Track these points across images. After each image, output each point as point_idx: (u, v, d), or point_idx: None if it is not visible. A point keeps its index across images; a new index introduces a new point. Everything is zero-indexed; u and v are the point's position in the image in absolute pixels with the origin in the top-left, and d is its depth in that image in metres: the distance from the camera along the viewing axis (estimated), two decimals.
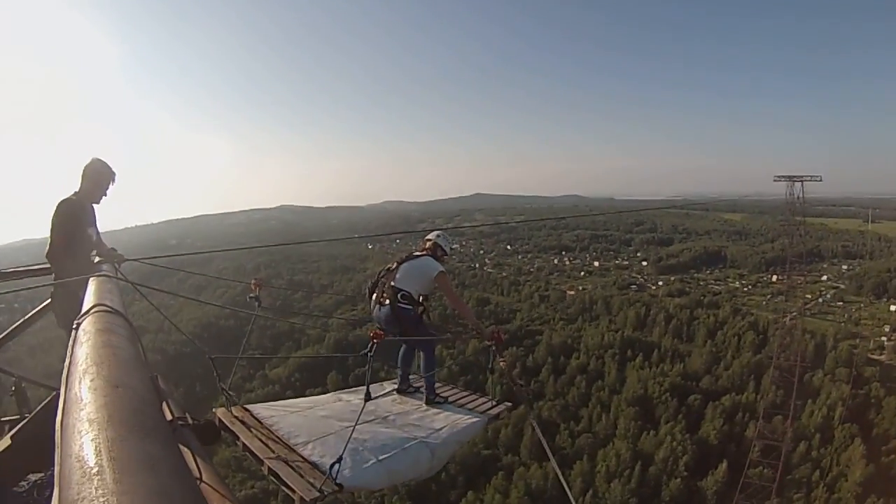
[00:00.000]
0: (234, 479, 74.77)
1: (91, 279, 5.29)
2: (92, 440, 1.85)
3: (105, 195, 8.88)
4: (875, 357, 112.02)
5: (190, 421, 4.58)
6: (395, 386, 9.22)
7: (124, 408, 2.16)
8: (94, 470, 1.65)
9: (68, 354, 2.95)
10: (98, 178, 8.70)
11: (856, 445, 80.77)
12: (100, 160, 8.77)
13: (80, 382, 2.37)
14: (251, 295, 8.63)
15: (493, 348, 7.73)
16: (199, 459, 3.26)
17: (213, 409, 6.82)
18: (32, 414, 5.54)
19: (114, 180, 8.87)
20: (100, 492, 1.53)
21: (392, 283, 8.55)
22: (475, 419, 7.81)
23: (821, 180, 73.09)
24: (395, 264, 8.91)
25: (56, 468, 1.81)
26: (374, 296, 8.74)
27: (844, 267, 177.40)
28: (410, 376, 9.25)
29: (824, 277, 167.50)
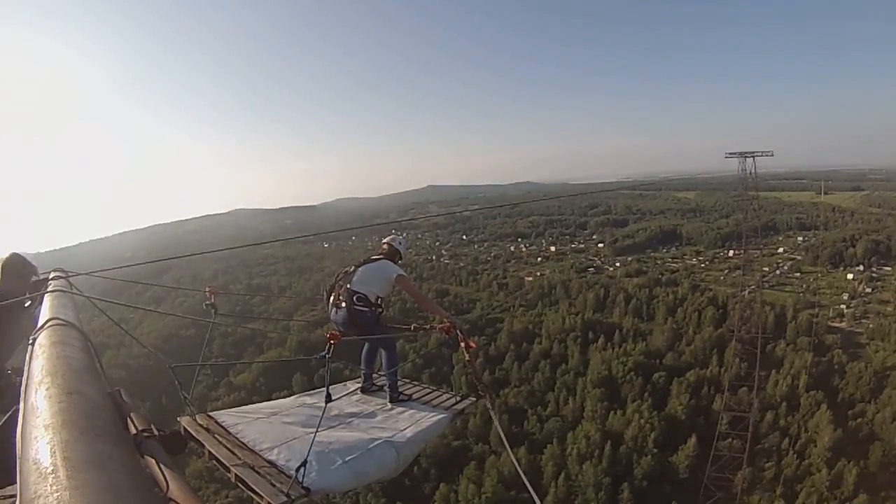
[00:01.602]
0: (207, 489, 74.25)
1: (46, 295, 5.31)
2: (47, 443, 1.96)
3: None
4: (835, 325, 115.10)
5: (155, 432, 4.58)
6: (359, 385, 9.20)
7: (77, 412, 2.29)
8: (49, 469, 1.79)
9: (25, 369, 3.10)
10: (22, 273, 7.66)
11: (822, 411, 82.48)
12: (18, 255, 7.81)
13: (35, 392, 2.52)
14: (207, 302, 8.63)
15: (459, 336, 7.76)
16: (166, 471, 3.30)
17: (178, 419, 6.80)
18: None
19: (36, 274, 7.87)
20: (53, 488, 1.68)
21: (348, 286, 8.56)
22: (440, 416, 7.80)
23: (772, 155, 73.93)
24: (352, 267, 8.93)
25: (18, 476, 1.90)
26: (332, 298, 8.77)
27: (800, 238, 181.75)
28: (375, 374, 9.22)
29: (780, 250, 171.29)
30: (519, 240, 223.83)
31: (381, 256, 9.25)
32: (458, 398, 8.48)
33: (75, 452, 1.91)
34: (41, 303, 5.26)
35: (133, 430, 3.83)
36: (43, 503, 1.64)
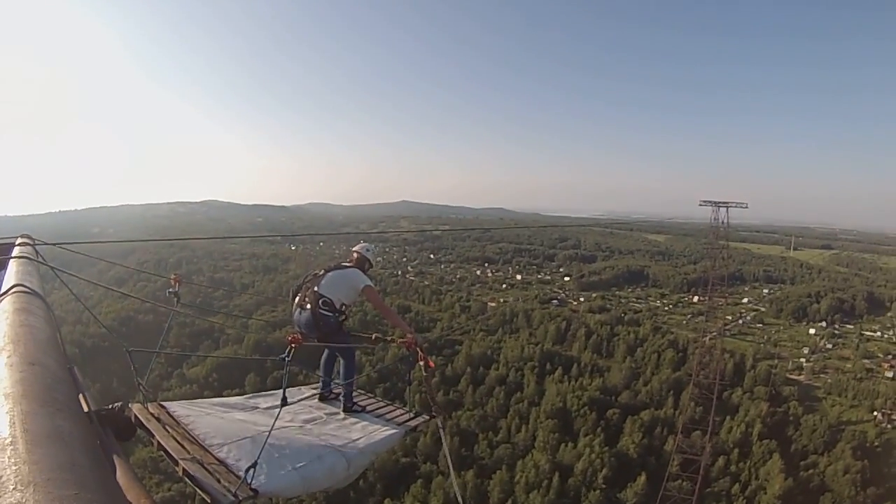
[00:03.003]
0: (150, 480, 73.18)
1: (12, 261, 5.17)
2: (7, 413, 1.95)
3: None
4: (793, 377, 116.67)
5: (105, 414, 4.44)
6: (314, 391, 9.14)
7: (39, 384, 2.25)
8: (8, 440, 1.76)
9: None
10: None
11: (774, 460, 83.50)
12: None
13: None
14: (170, 290, 8.48)
15: (419, 354, 7.70)
16: (114, 456, 3.19)
17: (129, 405, 6.64)
18: None
19: None
20: (12, 461, 1.65)
21: (315, 289, 8.50)
22: (392, 431, 7.78)
23: (746, 207, 74.63)
24: (322, 271, 8.88)
25: None
26: (297, 299, 8.69)
27: (766, 291, 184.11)
28: (332, 382, 9.12)
29: (745, 300, 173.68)
30: (486, 265, 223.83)
31: (350, 264, 9.25)
32: (412, 415, 8.47)
33: (35, 425, 1.90)
34: (5, 267, 5.10)
35: (85, 408, 3.70)
36: (0, 474, 1.60)
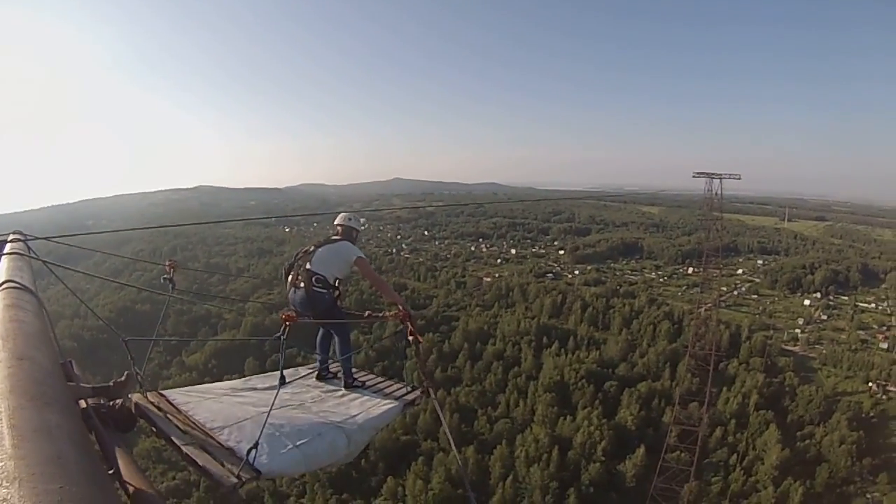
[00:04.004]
0: (154, 470, 73.64)
1: (3, 257, 5.18)
2: None
3: None
4: (789, 348, 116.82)
5: (105, 407, 4.48)
6: (311, 371, 9.14)
7: (27, 378, 2.24)
8: None
9: None
10: None
11: (771, 430, 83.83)
12: None
13: None
14: (165, 276, 8.50)
15: (409, 330, 7.72)
16: (115, 448, 3.23)
17: (129, 395, 6.67)
18: None
19: None
20: None
21: (307, 267, 8.48)
22: (391, 405, 7.80)
23: (739, 178, 74.29)
24: (311, 247, 8.84)
25: None
26: (290, 278, 8.68)
27: (760, 262, 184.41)
28: (329, 361, 9.13)
29: (740, 271, 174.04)
30: (480, 240, 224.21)
31: (339, 238, 9.20)
32: (410, 388, 8.48)
33: (23, 420, 1.89)
34: None
35: (84, 404, 3.73)
36: None
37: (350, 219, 9.51)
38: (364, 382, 8.61)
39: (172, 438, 5.64)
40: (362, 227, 9.73)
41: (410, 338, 7.60)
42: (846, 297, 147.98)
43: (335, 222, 9.55)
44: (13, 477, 1.57)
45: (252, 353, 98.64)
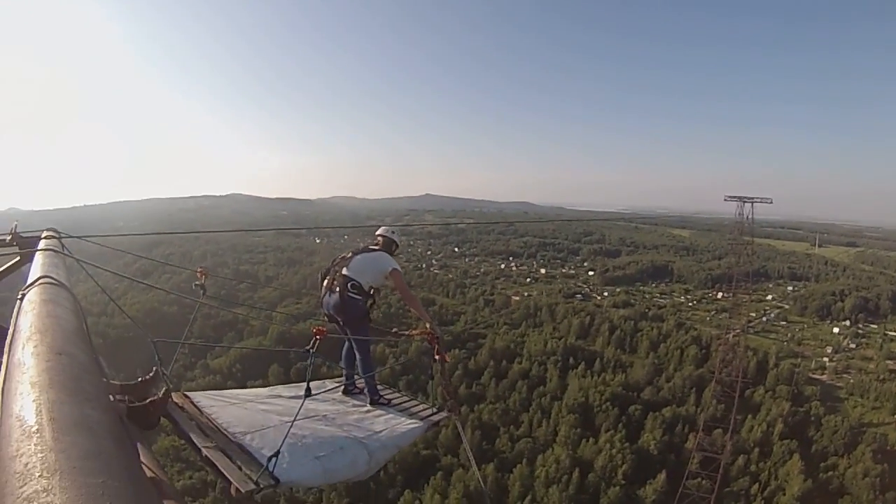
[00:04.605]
0: (171, 468, 73.61)
1: (38, 253, 5.25)
2: (33, 401, 1.93)
3: None
4: (816, 376, 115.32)
5: (129, 403, 4.53)
6: (337, 384, 9.12)
7: (66, 373, 2.24)
8: (34, 429, 1.75)
9: (12, 324, 3.04)
10: None
11: (794, 461, 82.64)
12: None
13: (23, 349, 2.44)
14: (196, 283, 8.55)
15: (435, 348, 7.73)
16: (137, 444, 3.26)
17: (156, 394, 6.73)
18: None
19: None
20: (38, 448, 1.64)
21: (344, 272, 8.54)
22: (415, 425, 7.77)
23: (771, 202, 73.94)
24: (349, 254, 8.89)
25: None
26: (326, 282, 8.73)
27: (790, 288, 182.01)
28: (354, 376, 9.11)
29: (769, 297, 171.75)
30: (510, 258, 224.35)
31: (377, 247, 9.24)
32: (435, 409, 8.44)
33: (62, 414, 1.88)
34: (31, 260, 5.19)
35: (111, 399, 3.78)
36: (25, 462, 1.60)
37: (393, 232, 9.56)
38: (390, 400, 8.59)
39: (193, 439, 5.67)
40: (401, 241, 9.73)
41: (437, 357, 7.63)
42: (875, 326, 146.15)
43: (377, 233, 9.62)
44: (54, 469, 1.56)
45: (277, 360, 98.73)
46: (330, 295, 8.54)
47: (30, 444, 1.67)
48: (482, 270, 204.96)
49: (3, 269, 7.80)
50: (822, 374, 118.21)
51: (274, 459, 5.21)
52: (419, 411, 8.33)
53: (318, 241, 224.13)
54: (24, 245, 7.43)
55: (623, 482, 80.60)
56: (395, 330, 9.79)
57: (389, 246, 9.38)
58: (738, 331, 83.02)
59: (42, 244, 6.20)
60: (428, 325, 7.90)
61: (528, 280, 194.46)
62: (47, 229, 7.79)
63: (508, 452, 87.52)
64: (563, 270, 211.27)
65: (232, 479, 4.97)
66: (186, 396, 6.86)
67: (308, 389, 6.19)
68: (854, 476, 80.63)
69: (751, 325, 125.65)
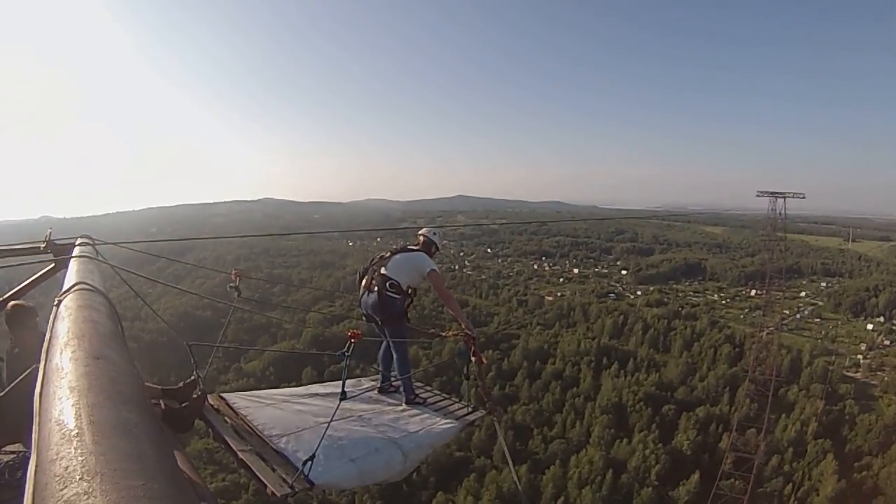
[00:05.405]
0: (204, 471, 74.12)
1: (73, 260, 5.30)
2: (73, 405, 1.95)
3: None
4: (850, 374, 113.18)
5: (163, 406, 4.55)
6: (373, 383, 9.16)
7: (104, 377, 2.26)
8: (74, 432, 1.76)
9: (49, 329, 3.03)
10: (27, 322, 7.24)
11: (828, 460, 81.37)
12: (19, 304, 7.38)
13: (61, 354, 2.47)
14: (231, 284, 8.60)
15: (472, 349, 7.72)
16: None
17: (195, 398, 6.76)
18: (10, 387, 5.49)
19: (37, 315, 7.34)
20: (78, 451, 1.65)
21: (383, 272, 8.55)
22: (450, 424, 7.72)
23: (804, 197, 73.14)
24: (388, 253, 8.91)
25: (34, 435, 1.85)
26: (364, 282, 8.74)
27: (823, 284, 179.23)
28: (391, 376, 9.12)
29: (803, 294, 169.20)
30: (543, 258, 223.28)
31: (417, 248, 9.22)
32: (470, 409, 8.37)
33: (101, 417, 1.90)
34: (66, 266, 5.24)
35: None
36: (66, 465, 1.59)
37: (434, 233, 9.54)
38: (425, 399, 8.58)
39: (229, 442, 5.69)
40: (442, 244, 9.69)
41: (473, 358, 7.60)
42: None
43: (419, 233, 9.63)
44: (94, 472, 1.56)
45: (310, 363, 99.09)
46: (368, 294, 8.55)
47: (70, 448, 1.67)
48: (515, 271, 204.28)
49: (38, 276, 7.91)
50: (857, 371, 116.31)
51: (309, 463, 5.25)
52: (455, 410, 8.30)
53: (350, 243, 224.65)
54: (59, 252, 7.51)
55: (656, 483, 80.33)
56: (431, 330, 9.78)
57: (429, 247, 9.36)
58: (771, 328, 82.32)
59: (76, 251, 6.27)
60: (464, 326, 7.87)
61: (561, 280, 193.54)
62: (81, 236, 7.89)
63: (542, 453, 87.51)
64: (596, 270, 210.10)
65: (267, 483, 5.00)
66: (222, 398, 6.93)
67: (343, 392, 6.21)
68: (888, 476, 79.11)
69: (784, 322, 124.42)
